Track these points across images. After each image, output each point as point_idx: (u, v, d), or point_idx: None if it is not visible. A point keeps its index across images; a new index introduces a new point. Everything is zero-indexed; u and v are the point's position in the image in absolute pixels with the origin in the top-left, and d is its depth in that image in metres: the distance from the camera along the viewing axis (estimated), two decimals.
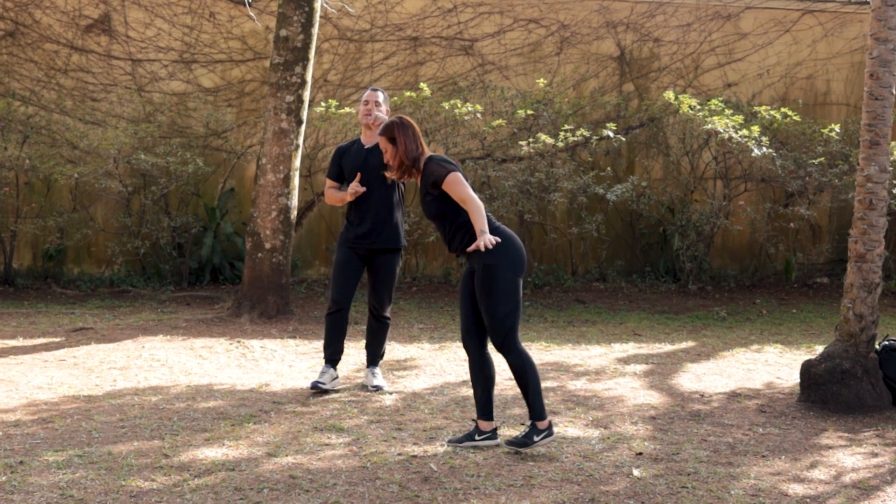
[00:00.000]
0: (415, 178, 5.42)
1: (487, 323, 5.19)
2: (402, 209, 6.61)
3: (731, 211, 11.23)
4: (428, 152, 5.42)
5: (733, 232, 11.37)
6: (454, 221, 5.28)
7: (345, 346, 6.59)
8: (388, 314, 6.58)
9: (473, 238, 5.18)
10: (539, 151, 10.20)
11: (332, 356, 6.52)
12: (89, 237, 10.82)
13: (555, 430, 5.39)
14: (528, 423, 5.27)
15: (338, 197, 6.58)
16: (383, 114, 6.52)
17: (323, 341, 6.61)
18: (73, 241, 10.77)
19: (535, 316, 9.44)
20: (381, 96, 6.54)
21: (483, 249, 4.99)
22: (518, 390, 6.56)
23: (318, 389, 6.35)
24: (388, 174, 5.63)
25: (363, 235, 6.45)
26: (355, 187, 6.39)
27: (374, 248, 6.47)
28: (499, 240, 5.06)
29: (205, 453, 5.09)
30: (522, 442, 5.18)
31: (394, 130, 5.39)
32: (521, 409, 6.07)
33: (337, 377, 6.53)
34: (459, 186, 5.20)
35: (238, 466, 4.89)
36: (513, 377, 5.34)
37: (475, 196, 5.18)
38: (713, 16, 11.80)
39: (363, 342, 6.86)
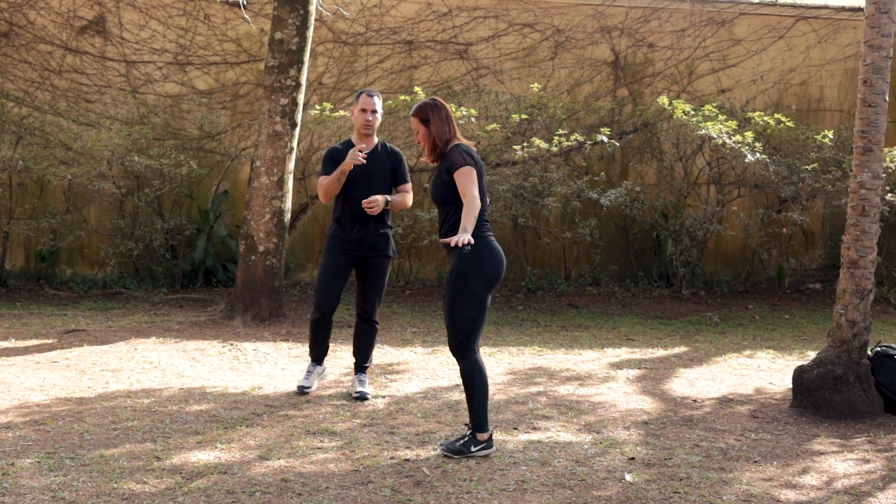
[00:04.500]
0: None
1: (446, 322, 5.15)
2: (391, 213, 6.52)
3: (725, 216, 11.25)
4: (459, 138, 5.36)
5: (726, 237, 11.39)
6: (455, 212, 5.24)
7: (336, 349, 6.62)
8: (377, 318, 6.54)
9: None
10: (533, 156, 10.21)
11: (320, 356, 6.57)
12: (82, 239, 10.80)
13: (495, 444, 5.32)
14: (469, 431, 5.22)
15: (333, 180, 6.28)
16: (378, 121, 6.47)
17: (309, 343, 6.63)
18: (66, 243, 10.74)
19: (528, 320, 9.44)
20: (378, 104, 6.41)
21: (452, 246, 4.92)
22: (509, 395, 6.57)
23: (304, 393, 6.41)
24: (423, 158, 5.51)
25: (358, 241, 6.36)
26: (356, 154, 6.15)
27: (369, 254, 6.39)
28: (471, 242, 4.94)
29: (197, 456, 5.08)
30: (459, 450, 5.16)
31: (427, 112, 5.31)
32: (513, 414, 6.07)
33: (324, 369, 6.67)
34: (466, 180, 5.14)
35: (230, 469, 4.88)
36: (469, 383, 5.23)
37: (476, 196, 5.10)
38: (707, 21, 11.82)
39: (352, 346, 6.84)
